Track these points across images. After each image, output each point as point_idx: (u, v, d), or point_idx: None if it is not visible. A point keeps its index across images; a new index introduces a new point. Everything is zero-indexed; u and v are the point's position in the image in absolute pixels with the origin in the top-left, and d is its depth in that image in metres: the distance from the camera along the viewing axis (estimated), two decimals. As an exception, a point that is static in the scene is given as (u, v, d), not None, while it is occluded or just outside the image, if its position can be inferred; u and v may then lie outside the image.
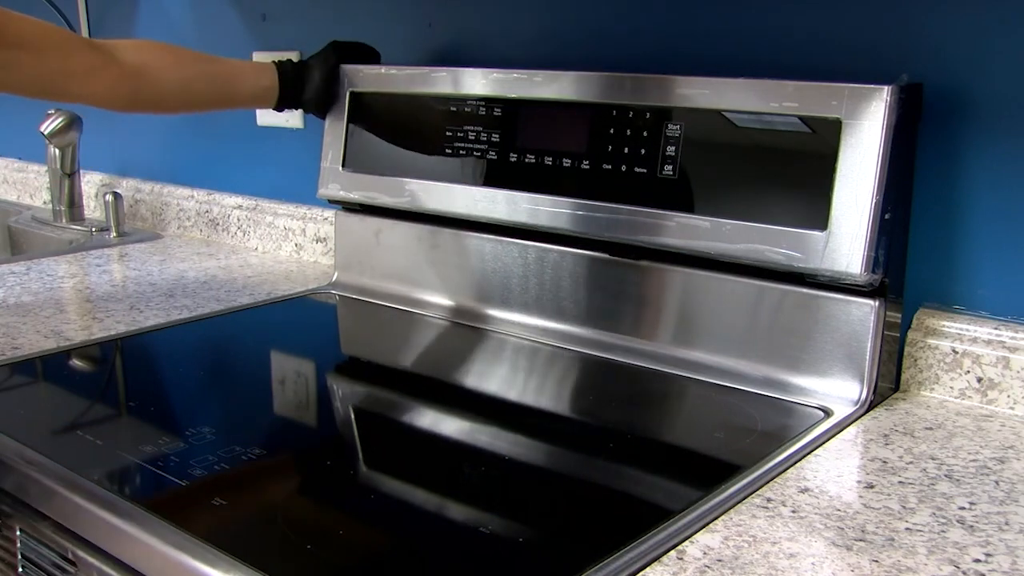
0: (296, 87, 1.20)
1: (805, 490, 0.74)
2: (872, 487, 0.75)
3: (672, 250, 0.97)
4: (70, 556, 0.74)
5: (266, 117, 1.50)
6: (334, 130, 1.25)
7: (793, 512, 0.71)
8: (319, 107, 1.24)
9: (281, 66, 1.19)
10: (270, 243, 1.52)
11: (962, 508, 0.72)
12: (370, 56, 1.26)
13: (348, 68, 1.23)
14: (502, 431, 0.88)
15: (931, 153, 0.92)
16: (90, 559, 0.72)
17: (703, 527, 0.69)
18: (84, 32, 1.81)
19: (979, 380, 0.90)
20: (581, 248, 1.05)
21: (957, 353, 0.91)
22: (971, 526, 0.69)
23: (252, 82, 1.18)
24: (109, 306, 1.22)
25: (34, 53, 1.01)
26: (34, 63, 1.01)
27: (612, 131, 1.00)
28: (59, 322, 1.14)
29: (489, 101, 1.10)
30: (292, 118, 1.46)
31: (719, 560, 0.64)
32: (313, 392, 0.99)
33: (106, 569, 0.70)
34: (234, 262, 1.46)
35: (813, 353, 0.91)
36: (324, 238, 1.44)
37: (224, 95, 1.18)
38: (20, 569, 0.79)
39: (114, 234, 1.64)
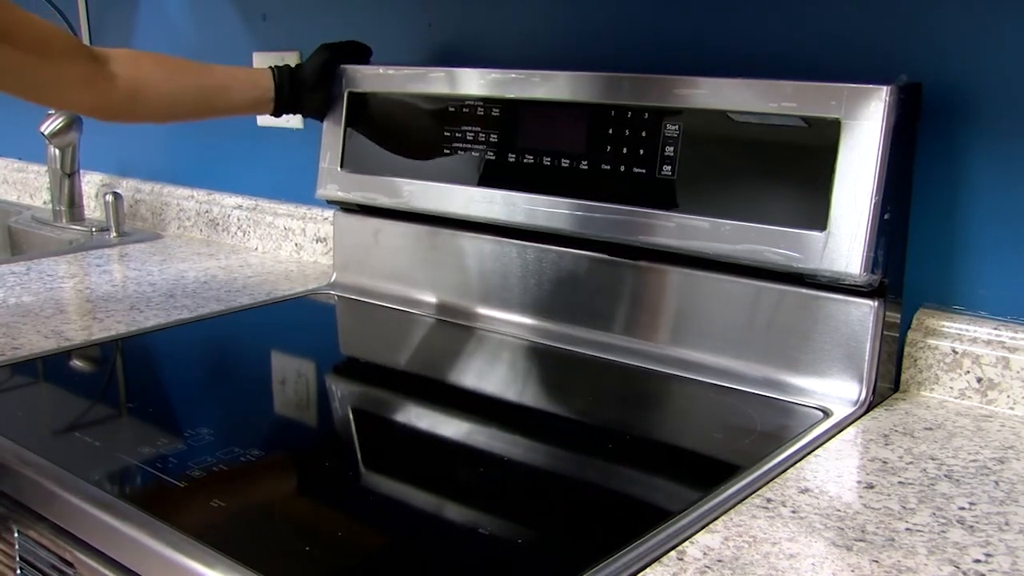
0: (292, 93, 1.20)
1: (805, 490, 0.74)
2: (872, 487, 0.75)
3: (671, 250, 0.97)
4: (68, 558, 0.73)
5: (266, 117, 1.50)
6: (332, 131, 1.25)
7: (793, 512, 0.71)
8: (318, 111, 1.25)
9: (277, 73, 1.19)
10: (270, 243, 1.52)
11: (962, 508, 0.72)
12: (362, 53, 1.26)
13: (347, 68, 1.23)
14: (501, 432, 0.88)
15: (930, 153, 0.92)
16: (88, 561, 0.71)
17: (703, 527, 0.69)
18: (84, 32, 1.80)
19: (979, 380, 0.90)
20: (580, 248, 1.05)
21: (957, 353, 0.91)
22: (971, 526, 0.69)
23: (247, 92, 1.18)
24: (109, 306, 1.22)
25: (37, 57, 1.01)
26: (35, 68, 1.01)
27: (611, 131, 1.00)
28: (59, 322, 1.14)
29: (487, 101, 1.10)
30: (292, 118, 1.46)
31: (719, 560, 0.64)
32: (312, 393, 0.99)
33: (104, 571, 0.70)
34: (234, 262, 1.46)
35: (812, 353, 0.91)
36: (324, 238, 1.44)
37: (218, 106, 1.18)
38: (18, 571, 0.79)
39: (114, 234, 1.64)
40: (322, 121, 1.27)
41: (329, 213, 1.36)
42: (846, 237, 0.86)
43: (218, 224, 1.61)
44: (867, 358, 0.88)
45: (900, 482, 0.76)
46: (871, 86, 0.85)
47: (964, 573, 0.63)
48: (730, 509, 0.71)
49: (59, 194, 1.76)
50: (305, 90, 1.21)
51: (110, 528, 0.69)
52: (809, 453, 0.81)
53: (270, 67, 1.19)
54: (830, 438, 0.84)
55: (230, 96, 1.17)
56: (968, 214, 0.91)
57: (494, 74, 1.09)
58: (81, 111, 1.10)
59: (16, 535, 0.78)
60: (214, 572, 0.62)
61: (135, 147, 1.80)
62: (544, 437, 0.87)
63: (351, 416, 0.93)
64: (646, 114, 0.98)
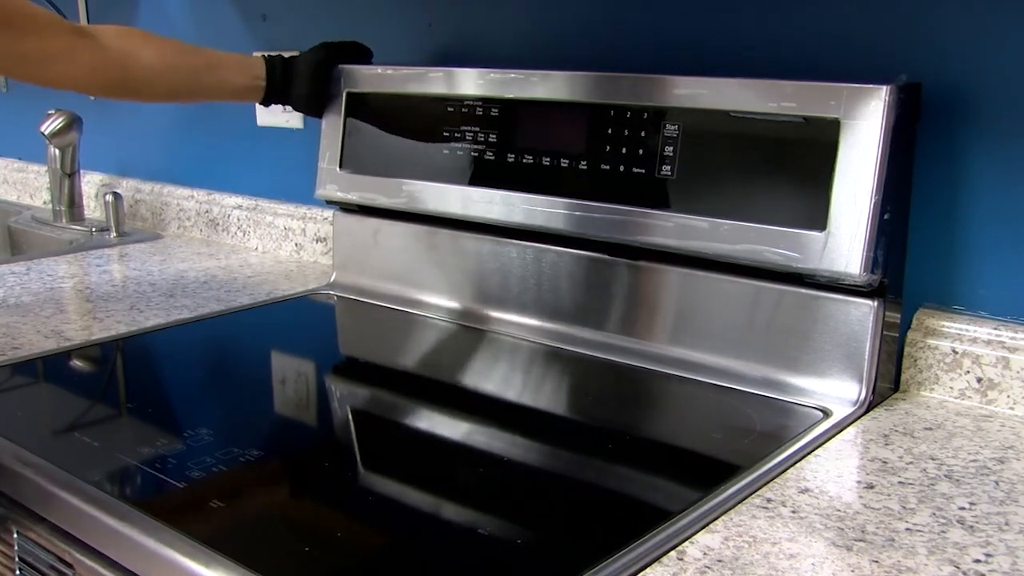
0: (284, 82, 1.19)
1: (805, 490, 0.74)
2: (872, 487, 0.75)
3: (670, 250, 0.97)
4: (67, 559, 0.73)
5: (266, 117, 1.50)
6: (331, 131, 1.25)
7: (793, 512, 0.71)
8: (308, 104, 1.23)
9: (269, 61, 1.18)
10: (270, 243, 1.52)
11: (962, 508, 0.72)
12: (362, 54, 1.26)
13: (345, 68, 1.23)
14: (500, 432, 0.88)
15: (930, 153, 0.92)
16: (87, 562, 0.71)
17: (703, 528, 0.69)
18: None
19: (979, 380, 0.90)
20: (579, 248, 1.05)
21: (957, 353, 0.91)
22: (971, 526, 0.69)
23: (237, 76, 1.17)
24: (109, 306, 1.22)
25: (12, 32, 1.00)
26: (11, 42, 1.00)
27: (610, 131, 1.00)
28: (59, 322, 1.14)
29: (486, 101, 1.10)
30: (292, 118, 1.46)
31: (719, 560, 0.64)
32: (311, 393, 0.99)
33: (103, 572, 0.70)
34: (234, 262, 1.46)
35: (812, 353, 0.91)
36: (324, 238, 1.44)
37: (208, 88, 1.17)
38: (18, 572, 0.79)
39: (114, 234, 1.64)
40: (312, 115, 1.27)
41: (329, 213, 1.36)
42: (846, 237, 0.86)
43: (218, 224, 1.61)
44: (867, 358, 0.88)
45: (900, 482, 0.76)
46: (871, 86, 0.85)
47: (964, 573, 0.63)
48: (730, 509, 0.71)
49: (59, 194, 1.76)
50: (296, 82, 1.20)
51: (109, 529, 0.69)
52: (809, 453, 0.81)
53: (263, 55, 1.19)
54: (830, 438, 0.84)
55: (221, 77, 1.17)
56: (968, 214, 0.91)
57: (493, 74, 1.09)
58: (69, 86, 1.09)
59: (15, 536, 0.78)
60: (213, 572, 0.62)
61: (135, 147, 1.80)
62: (544, 437, 0.87)
63: (350, 416, 0.93)
64: (645, 114, 0.97)
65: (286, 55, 1.21)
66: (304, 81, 1.21)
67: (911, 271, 0.94)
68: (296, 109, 1.25)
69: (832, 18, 0.95)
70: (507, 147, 1.08)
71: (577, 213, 1.02)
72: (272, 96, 1.20)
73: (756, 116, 0.91)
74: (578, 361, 1.04)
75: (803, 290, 0.91)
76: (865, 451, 0.82)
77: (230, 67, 1.18)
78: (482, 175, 1.10)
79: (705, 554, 0.65)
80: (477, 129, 1.10)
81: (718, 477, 0.75)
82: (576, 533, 0.70)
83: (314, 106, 1.24)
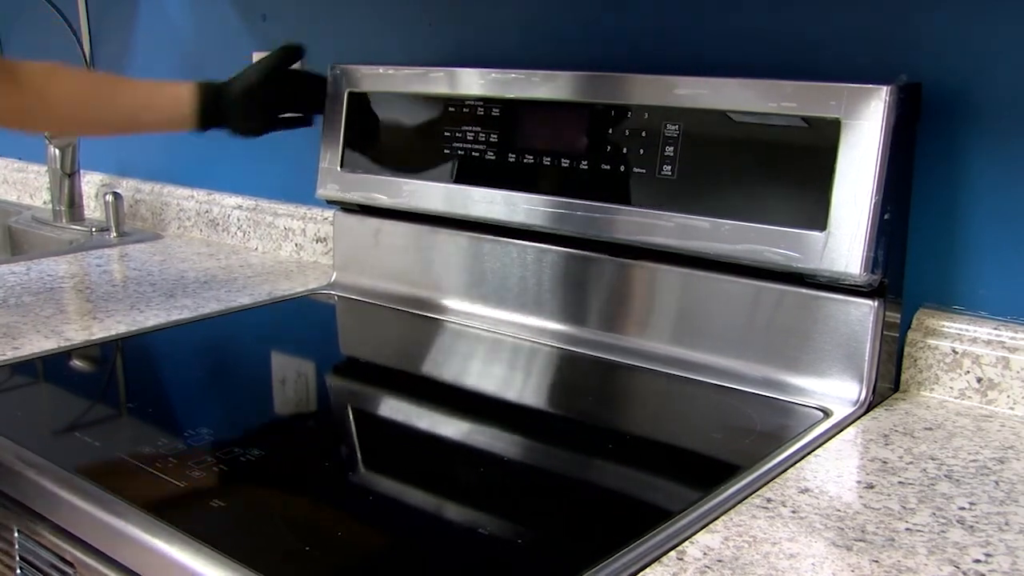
0: (216, 109, 1.16)
1: (805, 490, 0.74)
2: (872, 487, 0.75)
3: (671, 250, 0.97)
4: (68, 558, 0.74)
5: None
6: (332, 131, 1.25)
7: (793, 512, 0.71)
8: (246, 130, 1.18)
9: (202, 89, 1.15)
10: (270, 243, 1.52)
11: (962, 508, 0.72)
12: (293, 54, 1.20)
13: (347, 68, 1.23)
14: (501, 432, 0.88)
15: (930, 153, 0.92)
16: (88, 561, 0.72)
17: (703, 527, 0.69)
18: (84, 32, 1.80)
19: (979, 380, 0.90)
20: (580, 248, 1.05)
21: (957, 353, 0.91)
22: (971, 526, 0.69)
23: (164, 110, 1.15)
24: (109, 306, 1.22)
25: None
26: None
27: (611, 131, 1.00)
28: (59, 322, 1.14)
29: (487, 101, 1.10)
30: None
31: (719, 560, 0.64)
32: (312, 393, 0.99)
33: (104, 571, 0.70)
34: (234, 262, 1.46)
35: (812, 353, 0.91)
36: (324, 238, 1.44)
37: (133, 124, 1.19)
38: (18, 571, 0.79)
39: (114, 234, 1.64)
40: (253, 138, 1.20)
41: (329, 213, 1.36)
42: (846, 237, 0.86)
43: (218, 224, 1.61)
44: (867, 358, 0.88)
45: (900, 482, 0.76)
46: (871, 86, 0.85)
47: (964, 573, 0.63)
48: (730, 509, 0.71)
49: (59, 194, 1.76)
50: (232, 107, 1.16)
51: (110, 528, 0.69)
52: (809, 453, 0.81)
53: (199, 83, 1.15)
54: (830, 438, 0.84)
55: (149, 115, 1.16)
56: (968, 214, 0.91)
57: (494, 74, 1.09)
58: None
59: (16, 535, 0.79)
60: (214, 572, 0.62)
61: (135, 147, 1.79)
62: (544, 437, 0.87)
63: (351, 416, 0.93)
64: (646, 114, 0.98)
65: (227, 79, 1.17)
66: (239, 106, 1.16)
67: (911, 271, 0.94)
68: (234, 133, 1.19)
69: (832, 18, 0.95)
70: (508, 147, 1.08)
71: (578, 213, 1.02)
72: (207, 124, 1.16)
73: (757, 116, 0.91)
74: (577, 361, 1.04)
75: (803, 290, 0.91)
76: (865, 451, 0.82)
77: (159, 100, 1.16)
78: (483, 175, 1.10)
79: (705, 554, 0.65)
80: (478, 129, 1.10)
81: (718, 477, 0.75)
82: (576, 533, 0.70)
83: (253, 129, 1.19)
